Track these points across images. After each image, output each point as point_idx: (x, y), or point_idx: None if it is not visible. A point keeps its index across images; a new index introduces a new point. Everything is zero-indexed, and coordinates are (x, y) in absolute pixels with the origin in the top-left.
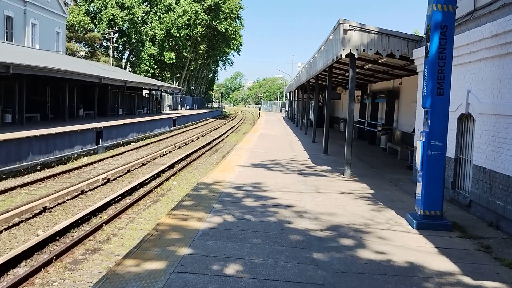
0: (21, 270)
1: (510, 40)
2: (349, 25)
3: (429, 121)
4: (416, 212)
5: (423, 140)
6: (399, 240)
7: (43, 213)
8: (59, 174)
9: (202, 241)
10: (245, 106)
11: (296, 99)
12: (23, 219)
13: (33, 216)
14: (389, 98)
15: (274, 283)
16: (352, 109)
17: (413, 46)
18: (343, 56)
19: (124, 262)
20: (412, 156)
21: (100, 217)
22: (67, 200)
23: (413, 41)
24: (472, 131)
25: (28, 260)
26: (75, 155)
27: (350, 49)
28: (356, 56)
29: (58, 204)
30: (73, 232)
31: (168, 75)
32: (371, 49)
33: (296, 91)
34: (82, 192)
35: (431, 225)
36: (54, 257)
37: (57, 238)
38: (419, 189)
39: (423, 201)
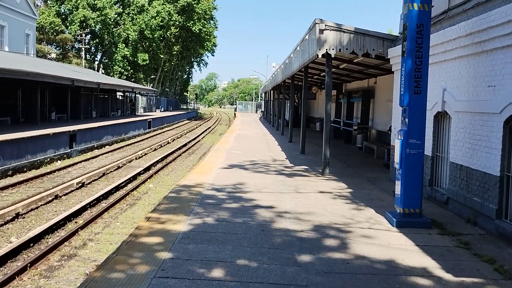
0: None
1: (485, 39)
2: (325, 25)
3: (407, 119)
4: (396, 210)
5: (402, 138)
6: (380, 239)
7: (16, 219)
8: (31, 179)
9: (182, 244)
10: (220, 107)
11: (271, 99)
12: None
13: (6, 223)
14: (364, 97)
15: (258, 285)
16: (329, 109)
17: (389, 45)
18: (320, 56)
19: (103, 267)
20: (389, 155)
21: (76, 222)
22: (41, 205)
23: (388, 40)
24: (449, 129)
25: (1, 268)
26: (48, 159)
27: (327, 49)
28: (332, 56)
29: (32, 209)
30: (47, 238)
31: (141, 77)
32: (347, 49)
33: (272, 91)
34: (56, 197)
35: (410, 223)
36: (29, 265)
37: (31, 244)
38: (398, 187)
39: (402, 199)
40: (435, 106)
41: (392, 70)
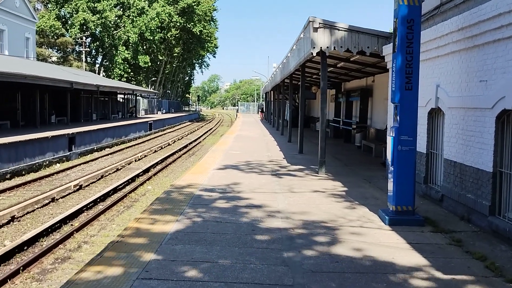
0: None
1: (476, 33)
2: (319, 23)
3: (398, 116)
4: (388, 208)
5: (393, 135)
6: (371, 237)
7: (11, 222)
8: (29, 182)
9: (169, 245)
10: (223, 109)
11: (272, 99)
12: None
13: (1, 226)
14: (362, 96)
15: (242, 286)
16: (324, 108)
17: (383, 43)
18: (314, 54)
19: (86, 269)
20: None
21: (71, 225)
22: (37, 208)
23: (383, 38)
24: (442, 125)
25: None
26: (47, 162)
27: (321, 47)
28: (326, 54)
29: (28, 212)
30: (42, 241)
31: (142, 79)
32: (341, 47)
33: (272, 91)
34: (53, 199)
35: (403, 221)
36: (21, 268)
37: (25, 248)
38: (390, 185)
39: (394, 197)
40: (429, 103)
41: (387, 67)
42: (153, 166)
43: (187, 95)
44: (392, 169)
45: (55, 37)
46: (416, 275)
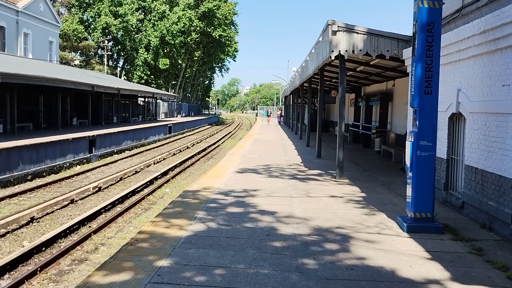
0: (4, 282)
1: (499, 36)
2: (338, 26)
3: (417, 121)
4: (407, 214)
5: (412, 140)
6: (388, 244)
7: (31, 223)
8: (50, 183)
9: (183, 249)
10: (243, 112)
11: (291, 103)
12: (9, 230)
13: (20, 227)
14: (382, 100)
15: None
16: (342, 112)
17: (403, 46)
18: (332, 58)
19: (97, 273)
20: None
21: (89, 227)
22: (56, 209)
23: (403, 41)
24: (464, 130)
25: (12, 272)
26: (68, 164)
27: (340, 51)
28: (345, 58)
29: (47, 214)
30: (60, 243)
31: (162, 82)
32: (360, 50)
33: (291, 95)
34: (72, 201)
35: (422, 228)
36: (39, 269)
37: (43, 249)
38: (409, 191)
39: (413, 204)
40: (449, 107)
41: (407, 71)
42: (172, 169)
43: (207, 99)
44: (411, 175)
45: (78, 41)
46: (433, 284)
